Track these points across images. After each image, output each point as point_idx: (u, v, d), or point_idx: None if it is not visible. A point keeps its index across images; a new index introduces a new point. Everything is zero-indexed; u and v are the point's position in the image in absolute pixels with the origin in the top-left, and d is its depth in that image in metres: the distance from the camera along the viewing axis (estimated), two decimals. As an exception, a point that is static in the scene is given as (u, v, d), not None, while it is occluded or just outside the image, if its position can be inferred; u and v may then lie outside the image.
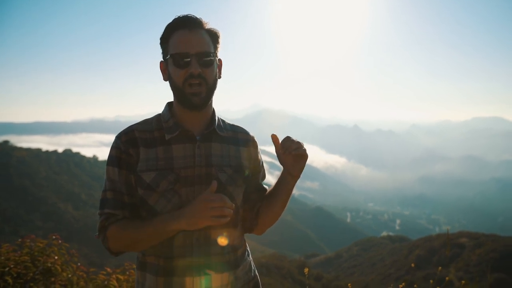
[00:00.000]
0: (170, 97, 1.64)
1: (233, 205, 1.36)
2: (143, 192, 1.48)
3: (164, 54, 1.55)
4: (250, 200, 1.72)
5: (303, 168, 1.60)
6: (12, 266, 3.26)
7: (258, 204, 1.74)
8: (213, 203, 1.32)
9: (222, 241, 1.53)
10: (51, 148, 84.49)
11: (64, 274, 3.49)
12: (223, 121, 1.68)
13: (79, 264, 3.76)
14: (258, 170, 1.74)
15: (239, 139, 1.67)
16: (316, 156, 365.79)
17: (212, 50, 1.52)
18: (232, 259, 1.57)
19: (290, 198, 1.68)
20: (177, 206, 1.47)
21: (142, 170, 1.49)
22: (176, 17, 1.52)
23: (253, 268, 1.71)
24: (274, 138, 1.59)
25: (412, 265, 23.28)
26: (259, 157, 1.76)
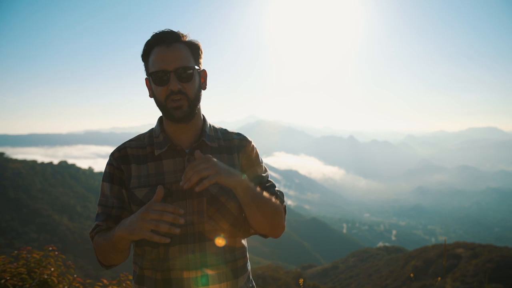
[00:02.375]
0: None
1: (180, 211, 1.27)
2: (137, 208, 1.50)
3: (146, 71, 1.55)
4: None
5: (232, 179, 1.41)
6: (8, 278, 3.23)
7: None
8: (149, 215, 1.27)
9: (220, 242, 1.52)
10: (46, 160, 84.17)
11: (61, 286, 3.46)
12: (216, 130, 1.67)
13: (75, 275, 3.72)
14: (256, 171, 1.67)
15: (233, 146, 1.65)
16: (314, 168, 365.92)
17: (192, 63, 1.50)
18: (230, 270, 1.55)
19: (259, 203, 1.49)
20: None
21: (134, 187, 1.53)
22: (154, 33, 1.50)
23: (251, 278, 1.70)
24: (197, 155, 1.41)
25: (411, 275, 23.20)
26: (254, 156, 1.69)
